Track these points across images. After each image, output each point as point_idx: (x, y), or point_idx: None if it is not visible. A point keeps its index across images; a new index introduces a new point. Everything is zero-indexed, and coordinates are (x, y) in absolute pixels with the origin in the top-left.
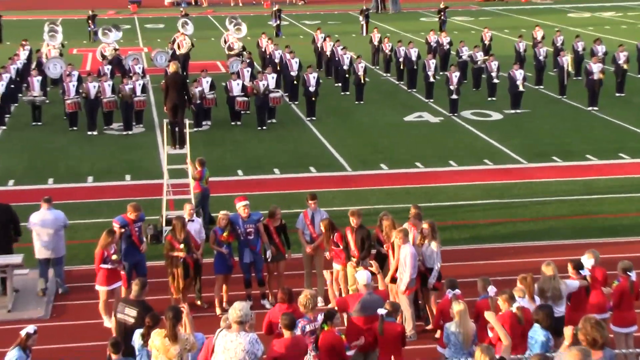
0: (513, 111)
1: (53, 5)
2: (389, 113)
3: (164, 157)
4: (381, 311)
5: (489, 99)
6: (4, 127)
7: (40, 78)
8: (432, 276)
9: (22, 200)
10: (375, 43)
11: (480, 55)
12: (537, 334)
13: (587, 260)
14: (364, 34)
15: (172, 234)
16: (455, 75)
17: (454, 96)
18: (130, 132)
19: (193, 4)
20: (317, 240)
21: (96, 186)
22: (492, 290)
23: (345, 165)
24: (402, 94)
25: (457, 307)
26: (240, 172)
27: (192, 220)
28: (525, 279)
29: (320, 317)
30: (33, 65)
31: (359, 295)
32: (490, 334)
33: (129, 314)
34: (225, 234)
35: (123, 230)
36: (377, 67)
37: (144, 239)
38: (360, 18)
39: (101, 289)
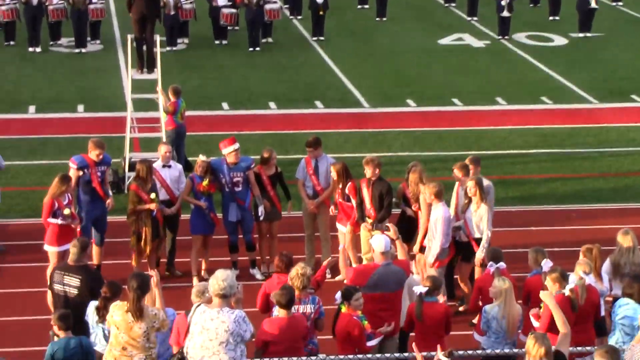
0: (582, 34)
1: None
2: (420, 34)
3: (127, 84)
4: (419, 289)
5: (551, 17)
6: None
7: None
8: (480, 248)
9: None
10: None
11: None
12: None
13: None
14: None
15: (137, 182)
16: None
17: (505, 13)
18: (83, 50)
19: None
20: (322, 195)
21: (40, 118)
22: (547, 264)
23: (361, 99)
24: (438, 9)
25: (500, 284)
26: (225, 105)
27: (169, 166)
28: (591, 250)
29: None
30: None
31: (374, 266)
32: (535, 323)
33: (70, 284)
34: (204, 183)
35: (81, 173)
36: None
37: (109, 190)
38: None
39: (51, 250)
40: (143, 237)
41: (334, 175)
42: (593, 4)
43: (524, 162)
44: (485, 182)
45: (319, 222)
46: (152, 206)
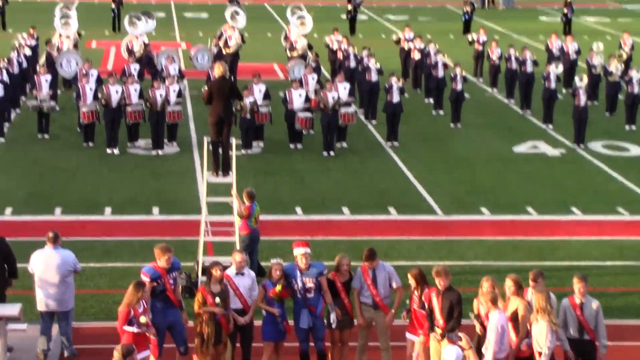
0: None
1: None
2: (494, 141)
3: (202, 187)
4: None
5: (627, 127)
6: (2, 140)
7: (49, 77)
8: None
9: (21, 234)
10: (479, 47)
11: (618, 68)
12: None
13: None
14: (466, 34)
15: (206, 285)
16: (582, 92)
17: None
18: (160, 152)
19: None
20: (382, 306)
21: (115, 220)
22: None
23: (434, 207)
24: (512, 116)
25: None
26: (299, 210)
27: (242, 274)
28: None
29: None
30: (41, 61)
31: None
32: None
33: None
34: (277, 289)
35: (155, 282)
36: (481, 79)
37: (182, 298)
38: (464, 10)
39: None
40: (204, 339)
41: (411, 282)
42: None
43: (599, 274)
44: (551, 296)
45: (379, 331)
46: (216, 310)
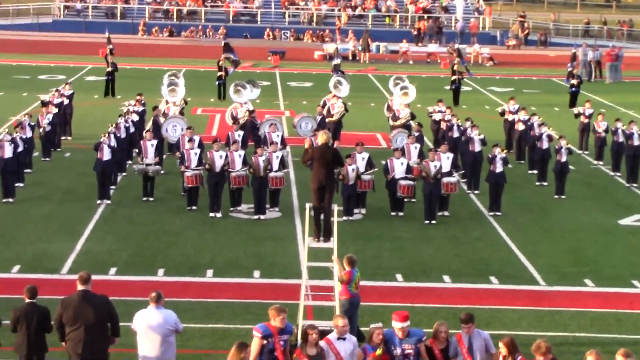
0: None
1: (176, 53)
2: (599, 213)
3: (303, 252)
4: None
5: None
6: (108, 202)
7: (155, 142)
8: None
9: (124, 294)
10: (585, 120)
11: None
12: None
13: None
14: (572, 107)
15: (302, 348)
16: None
17: None
18: (262, 217)
19: (350, 58)
20: None
21: (217, 282)
22: None
23: (537, 277)
24: (619, 189)
25: None
26: (399, 276)
27: (344, 339)
28: None
29: None
30: (147, 126)
31: None
32: None
33: None
34: (378, 353)
35: (265, 342)
36: (586, 152)
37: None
38: (570, 84)
39: None
40: None
41: (503, 350)
42: None
43: None
44: None
45: None
46: None
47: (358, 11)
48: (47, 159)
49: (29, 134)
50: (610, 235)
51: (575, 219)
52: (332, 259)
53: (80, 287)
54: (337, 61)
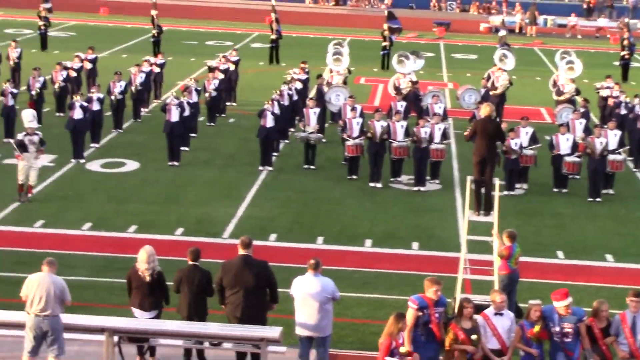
0: None
1: (341, 21)
2: None
3: (463, 225)
4: None
5: None
6: (270, 168)
7: (317, 110)
8: None
9: (283, 260)
10: None
11: None
12: None
13: None
14: None
15: (456, 321)
16: None
17: None
18: (422, 189)
19: (517, 31)
20: (637, 356)
21: (374, 252)
22: None
23: None
24: None
25: None
26: (560, 253)
27: (501, 314)
28: None
29: None
30: (311, 94)
31: None
32: None
33: None
34: (535, 329)
35: (420, 314)
36: None
37: (444, 334)
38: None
39: None
40: None
41: None
42: None
43: None
44: None
45: None
46: (469, 348)
47: None
48: (212, 124)
49: (195, 98)
50: None
51: None
52: (492, 233)
53: (241, 252)
54: (502, 33)
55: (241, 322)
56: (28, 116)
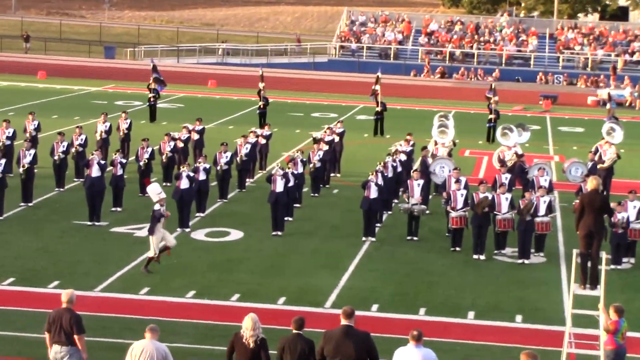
0: None
1: (447, 94)
2: None
3: (568, 299)
4: None
5: None
6: (373, 239)
7: (421, 182)
8: None
9: (385, 331)
10: None
11: None
12: None
13: None
14: None
15: None
16: None
17: None
18: (526, 261)
19: (626, 105)
20: None
21: (477, 324)
22: None
23: None
24: None
25: None
26: None
27: None
28: None
29: None
30: (415, 166)
31: None
32: None
33: None
34: None
35: None
36: None
37: None
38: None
39: None
40: None
41: None
42: None
43: None
44: None
45: None
46: None
47: (636, 57)
48: (316, 194)
49: (300, 169)
50: None
51: None
52: (599, 308)
53: (343, 322)
54: (611, 106)
55: None
56: (157, 189)
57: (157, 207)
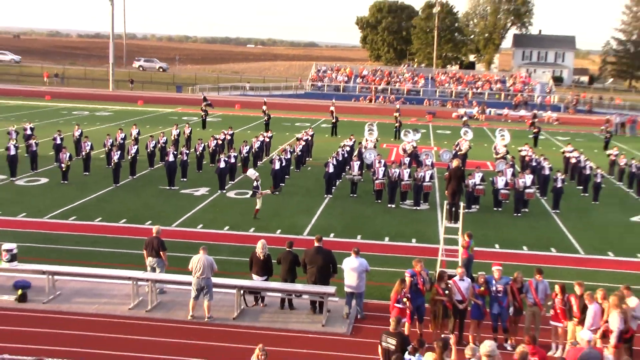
0: None
1: (372, 112)
2: (619, 213)
3: (441, 229)
4: None
5: None
6: (331, 196)
7: (359, 162)
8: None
9: (339, 248)
10: (613, 157)
11: None
12: None
13: None
14: (605, 150)
15: (438, 283)
16: None
17: None
18: (418, 208)
19: (475, 118)
20: (539, 304)
21: (391, 245)
22: None
23: (579, 249)
24: (631, 199)
25: None
26: (497, 245)
27: (463, 280)
28: None
29: None
30: (355, 153)
31: (581, 349)
32: None
33: (390, 343)
34: (481, 289)
35: (412, 279)
36: (613, 177)
37: (429, 287)
38: (605, 136)
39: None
40: (437, 315)
41: (557, 290)
42: None
43: None
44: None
45: (536, 319)
46: (443, 298)
47: (479, 90)
48: (298, 170)
49: (288, 156)
50: (625, 226)
51: (604, 216)
52: (458, 234)
53: (316, 244)
54: (465, 118)
55: (314, 284)
56: (253, 173)
57: (254, 183)
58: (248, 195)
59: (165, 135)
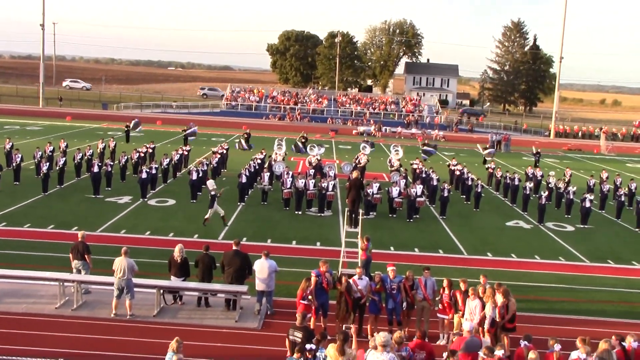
0: (582, 226)
1: (280, 128)
2: (496, 218)
3: (343, 233)
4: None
5: (566, 215)
6: (244, 203)
7: (269, 174)
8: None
9: (251, 251)
10: (491, 170)
11: (562, 185)
12: None
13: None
14: (484, 164)
15: (339, 282)
16: (544, 197)
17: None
18: (322, 215)
19: (373, 134)
20: (428, 300)
21: (298, 247)
22: (557, 346)
23: (463, 250)
24: (506, 207)
25: (531, 355)
26: (392, 248)
27: (361, 279)
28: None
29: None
30: (266, 165)
31: (464, 338)
32: None
33: (297, 336)
34: (377, 287)
35: (317, 278)
36: (491, 187)
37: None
38: (482, 151)
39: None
40: (340, 309)
41: (445, 285)
42: (587, 203)
43: (546, 290)
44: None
45: (424, 312)
46: (347, 295)
47: (376, 110)
48: (214, 179)
49: (205, 167)
50: (502, 230)
51: (484, 221)
52: (358, 237)
53: (234, 247)
54: (365, 136)
55: (231, 284)
56: (212, 184)
57: (212, 193)
58: (194, 201)
59: (91, 148)
